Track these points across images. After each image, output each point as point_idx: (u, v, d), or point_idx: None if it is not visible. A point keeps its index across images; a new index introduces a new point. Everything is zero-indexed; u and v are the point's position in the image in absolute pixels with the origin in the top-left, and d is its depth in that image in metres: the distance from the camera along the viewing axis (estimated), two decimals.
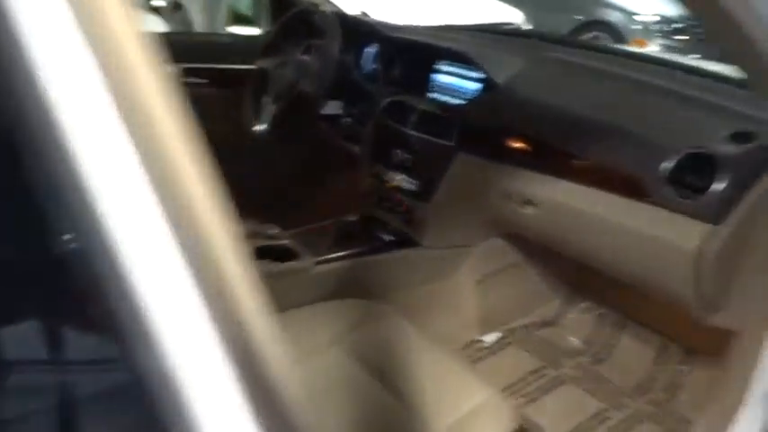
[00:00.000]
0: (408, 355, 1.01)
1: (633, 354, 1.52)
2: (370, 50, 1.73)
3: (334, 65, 1.46)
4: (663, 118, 1.09)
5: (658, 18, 5.13)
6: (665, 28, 5.11)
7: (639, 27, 5.19)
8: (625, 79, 1.23)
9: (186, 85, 1.89)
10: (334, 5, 1.91)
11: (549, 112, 1.22)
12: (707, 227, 0.92)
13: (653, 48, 5.08)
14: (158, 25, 4.66)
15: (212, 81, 1.93)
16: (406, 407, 0.90)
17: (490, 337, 1.57)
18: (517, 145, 1.24)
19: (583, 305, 1.65)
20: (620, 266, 1.14)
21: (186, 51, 1.91)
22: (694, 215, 0.93)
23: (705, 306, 1.00)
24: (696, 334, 1.42)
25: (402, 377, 0.95)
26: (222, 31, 2.28)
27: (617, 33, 5.22)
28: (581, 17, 5.43)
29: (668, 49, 5.06)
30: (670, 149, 0.99)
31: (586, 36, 5.39)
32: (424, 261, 1.47)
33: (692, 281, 0.95)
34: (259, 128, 1.63)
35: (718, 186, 0.90)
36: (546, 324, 1.66)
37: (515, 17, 4.65)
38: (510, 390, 1.43)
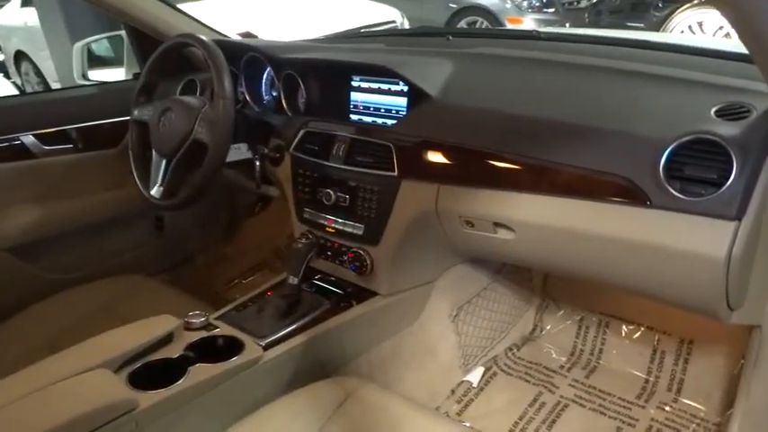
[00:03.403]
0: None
1: (624, 355, 1.40)
2: (266, 78, 1.48)
3: (231, 104, 1.19)
4: (633, 104, 0.94)
5: None
6: (535, 3, 5.27)
7: (510, 6, 5.32)
8: (573, 67, 1.09)
9: (49, 154, 1.57)
10: (212, 30, 1.63)
11: (502, 117, 1.04)
12: (731, 225, 0.78)
13: (528, 23, 5.22)
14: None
15: (82, 143, 1.62)
16: None
17: (475, 375, 1.38)
18: (472, 161, 1.05)
19: (559, 313, 1.51)
20: (626, 285, 0.98)
21: (40, 115, 1.58)
22: (713, 214, 0.78)
23: (727, 308, 0.88)
24: (686, 321, 1.32)
25: None
26: (80, 80, 1.93)
27: (492, 15, 5.31)
28: (454, 5, 5.47)
29: (543, 22, 5.22)
30: (656, 140, 0.85)
31: (465, 21, 5.44)
32: (385, 312, 1.25)
33: (723, 288, 0.82)
34: (154, 191, 1.33)
35: (739, 175, 0.77)
36: (526, 340, 1.51)
37: (392, 14, 4.51)
38: (518, 430, 1.27)
